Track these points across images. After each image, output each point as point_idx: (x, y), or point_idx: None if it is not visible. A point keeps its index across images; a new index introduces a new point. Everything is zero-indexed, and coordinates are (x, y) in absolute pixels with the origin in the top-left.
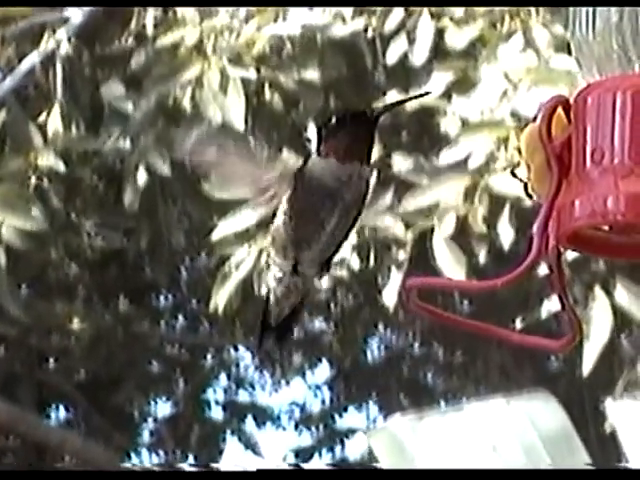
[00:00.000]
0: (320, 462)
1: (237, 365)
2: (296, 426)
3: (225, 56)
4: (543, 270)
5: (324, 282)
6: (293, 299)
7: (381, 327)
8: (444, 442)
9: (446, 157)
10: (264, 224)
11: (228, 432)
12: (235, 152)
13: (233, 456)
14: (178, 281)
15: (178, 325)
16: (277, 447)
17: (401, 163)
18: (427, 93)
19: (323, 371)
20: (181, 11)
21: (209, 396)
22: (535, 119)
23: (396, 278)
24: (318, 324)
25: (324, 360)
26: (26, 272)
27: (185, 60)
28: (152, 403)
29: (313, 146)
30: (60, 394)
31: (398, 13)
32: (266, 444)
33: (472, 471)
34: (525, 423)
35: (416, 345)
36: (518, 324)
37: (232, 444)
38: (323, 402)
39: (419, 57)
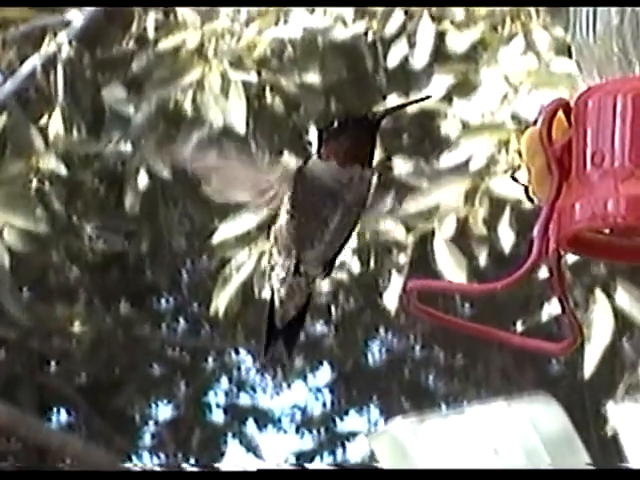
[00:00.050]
0: (321, 465)
1: (238, 368)
2: (297, 429)
3: (226, 59)
4: (543, 273)
5: (325, 285)
6: (297, 300)
7: (382, 330)
8: (445, 445)
9: (447, 160)
10: (265, 227)
11: (229, 435)
12: (236, 157)
13: (234, 459)
14: (179, 284)
15: (179, 328)
16: (278, 450)
17: (402, 166)
18: (428, 97)
19: (324, 374)
20: (182, 14)
21: (210, 399)
22: (536, 122)
23: (397, 281)
24: (319, 327)
25: (325, 363)
26: (27, 275)
27: (186, 63)
28: (153, 406)
29: (314, 149)
30: (61, 397)
31: (399, 16)
32: (267, 447)
33: (472, 472)
34: (526, 426)
35: (417, 348)
36: (519, 327)
37: (233, 447)
38: (324, 405)
39: (420, 60)
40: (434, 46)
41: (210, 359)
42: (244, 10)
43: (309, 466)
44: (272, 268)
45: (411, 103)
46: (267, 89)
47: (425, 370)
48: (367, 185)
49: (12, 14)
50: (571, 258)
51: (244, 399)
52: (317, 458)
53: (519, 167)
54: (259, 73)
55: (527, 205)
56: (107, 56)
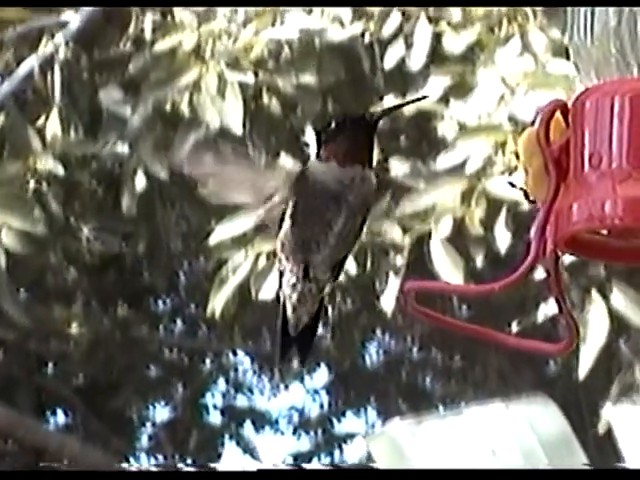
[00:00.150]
0: (319, 467)
1: (236, 370)
2: (295, 431)
3: (223, 60)
4: (539, 274)
5: None
6: (309, 307)
7: (379, 332)
8: (443, 446)
9: (443, 161)
10: (261, 229)
11: (226, 436)
12: (233, 159)
13: (231, 460)
14: (176, 285)
15: (177, 330)
16: (275, 451)
17: (398, 167)
18: (425, 97)
19: (321, 376)
20: (179, 15)
21: (207, 401)
22: (533, 123)
23: (394, 283)
24: None
25: (322, 365)
26: (25, 276)
27: (183, 64)
28: (150, 408)
29: (311, 150)
30: (59, 398)
31: (396, 18)
32: (264, 448)
33: (468, 472)
34: (524, 427)
35: (414, 350)
36: (514, 328)
37: (230, 448)
38: (322, 407)
39: (417, 61)
40: (431, 47)
41: (207, 360)
42: (241, 11)
43: (307, 466)
44: (281, 274)
45: (408, 103)
46: (264, 90)
47: (422, 372)
48: (369, 186)
49: (9, 15)
50: (567, 259)
51: (241, 400)
52: (314, 459)
53: (516, 168)
54: (256, 74)
55: (524, 206)
56: (104, 57)
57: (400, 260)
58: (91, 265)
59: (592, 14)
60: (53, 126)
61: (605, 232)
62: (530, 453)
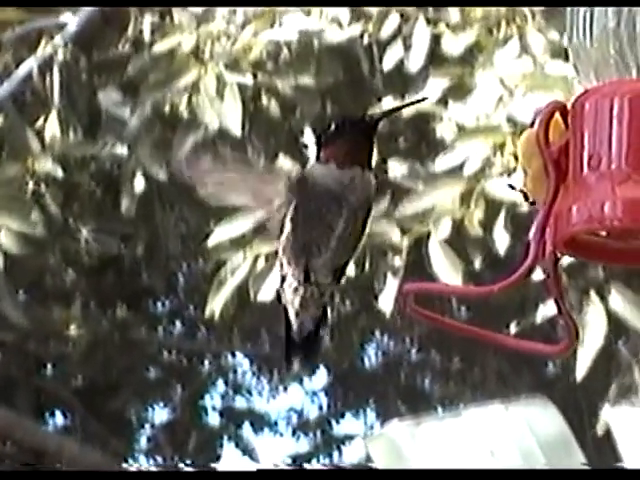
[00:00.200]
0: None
1: (234, 371)
2: (293, 432)
3: (222, 62)
4: (538, 275)
5: None
6: (312, 312)
7: (378, 333)
8: (442, 448)
9: (442, 163)
10: (260, 230)
11: (225, 438)
12: (231, 160)
13: (230, 462)
14: (175, 287)
15: (175, 331)
16: (274, 453)
17: (397, 169)
18: (425, 98)
19: (320, 377)
20: (178, 17)
21: (206, 402)
22: (532, 124)
23: (392, 284)
24: None
25: (321, 366)
26: (23, 278)
27: (182, 66)
28: (149, 409)
29: (310, 152)
30: (57, 400)
31: (394, 19)
32: (263, 450)
33: (467, 472)
34: (523, 429)
35: (413, 351)
36: (513, 329)
37: (229, 450)
38: (320, 408)
39: (415, 63)
40: (429, 49)
41: (206, 362)
42: (240, 12)
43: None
44: (283, 279)
45: (408, 105)
46: (263, 91)
47: (421, 373)
48: (369, 187)
49: (8, 16)
50: (566, 260)
51: (240, 402)
52: (313, 461)
53: (514, 170)
54: (255, 75)
55: (523, 207)
56: (103, 59)
57: (399, 261)
58: (90, 266)
59: (591, 15)
60: (52, 127)
61: (604, 233)
62: (529, 454)
